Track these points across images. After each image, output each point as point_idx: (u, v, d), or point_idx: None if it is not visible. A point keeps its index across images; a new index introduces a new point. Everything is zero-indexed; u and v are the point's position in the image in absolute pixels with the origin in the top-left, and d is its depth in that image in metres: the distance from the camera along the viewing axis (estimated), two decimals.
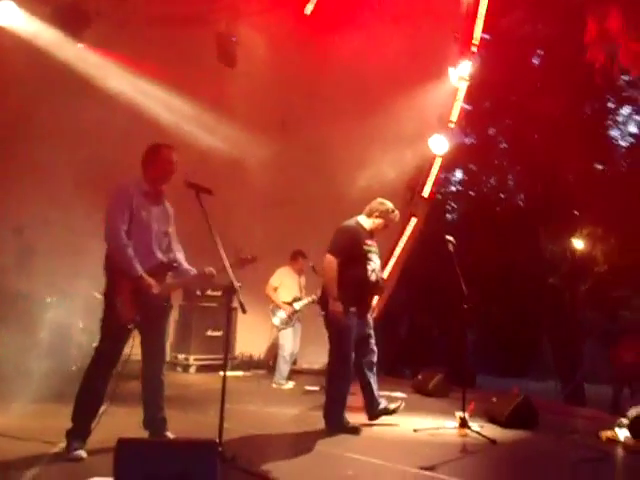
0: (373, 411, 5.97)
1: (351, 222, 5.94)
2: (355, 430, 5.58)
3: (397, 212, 6.10)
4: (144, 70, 8.84)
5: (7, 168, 8.20)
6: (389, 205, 6.02)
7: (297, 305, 8.69)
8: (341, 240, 5.77)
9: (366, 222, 5.96)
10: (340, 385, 5.76)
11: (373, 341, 5.99)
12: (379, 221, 5.96)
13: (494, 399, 6.76)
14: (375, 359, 5.99)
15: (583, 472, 4.88)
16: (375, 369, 6.01)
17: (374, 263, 5.84)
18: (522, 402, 6.37)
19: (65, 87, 8.27)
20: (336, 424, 5.62)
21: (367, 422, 5.94)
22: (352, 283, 5.67)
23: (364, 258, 5.76)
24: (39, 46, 7.96)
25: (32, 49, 7.88)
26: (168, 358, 5.74)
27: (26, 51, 7.82)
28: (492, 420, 6.40)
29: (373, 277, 5.79)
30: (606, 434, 6.02)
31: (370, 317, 6.03)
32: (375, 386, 5.97)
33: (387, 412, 5.98)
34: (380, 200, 6.09)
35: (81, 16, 8.14)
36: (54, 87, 8.23)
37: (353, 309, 5.63)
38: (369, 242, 5.88)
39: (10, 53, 7.71)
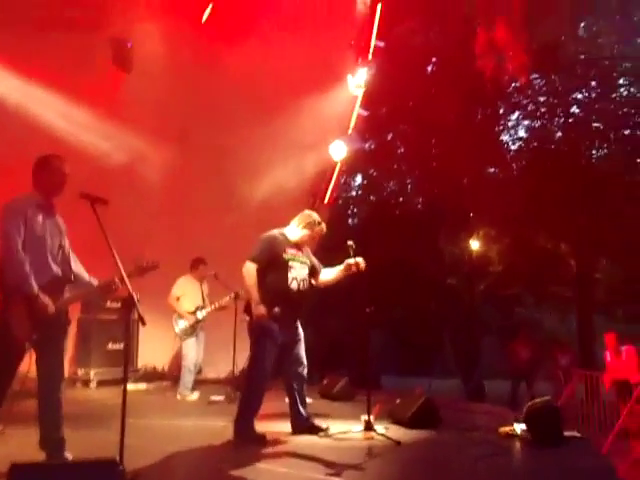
0: (296, 426, 5.96)
1: (273, 231, 6.00)
2: (262, 439, 5.55)
3: (323, 225, 6.17)
4: (34, 76, 8.51)
5: None
6: (315, 217, 6.13)
7: (200, 314, 8.57)
8: (259, 247, 5.83)
9: (293, 232, 6.03)
10: (252, 393, 5.74)
11: (302, 353, 5.98)
12: (305, 232, 6.03)
13: (398, 400, 6.92)
14: (304, 372, 5.96)
15: (482, 467, 5.05)
16: (303, 383, 5.98)
17: (296, 271, 5.84)
18: (424, 403, 6.53)
19: None
20: (244, 433, 5.59)
21: (280, 431, 5.95)
22: (271, 290, 5.71)
23: (284, 266, 5.79)
24: None
25: None
26: (67, 373, 5.56)
27: None
28: (396, 421, 6.52)
29: (294, 285, 5.80)
30: (504, 429, 6.27)
31: (299, 327, 6.03)
32: (300, 400, 5.96)
33: (313, 430, 5.94)
34: (307, 212, 6.23)
35: None
36: None
37: (277, 309, 5.63)
38: (291, 251, 5.90)
39: None
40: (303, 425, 5.96)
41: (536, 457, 5.67)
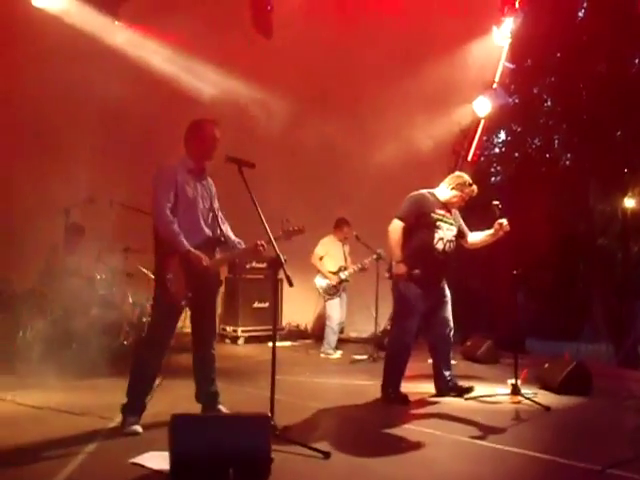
0: (440, 388, 5.94)
1: (422, 190, 5.93)
2: (405, 400, 5.57)
3: (474, 187, 6.01)
4: (181, 43, 8.80)
5: (49, 150, 8.35)
6: (465, 178, 6.02)
7: (343, 275, 8.66)
8: (407, 205, 5.79)
9: (443, 193, 5.94)
10: (396, 353, 5.77)
11: (448, 315, 5.91)
12: (455, 193, 5.92)
13: (546, 365, 6.65)
14: (450, 334, 5.91)
15: None
16: (449, 345, 5.95)
17: (443, 232, 5.76)
18: (575, 367, 6.24)
19: (104, 67, 8.31)
20: (388, 393, 5.63)
21: (424, 392, 5.95)
22: (417, 249, 5.67)
23: (432, 225, 5.72)
24: (76, 27, 8.00)
25: (70, 31, 7.92)
26: (217, 330, 5.82)
27: (71, 36, 7.87)
28: (545, 386, 6.30)
29: (439, 245, 5.72)
30: None
31: (445, 288, 5.96)
32: (445, 362, 5.93)
33: (457, 392, 5.89)
34: (458, 173, 6.19)
35: None
36: (94, 68, 8.27)
37: (417, 271, 5.57)
38: (440, 211, 5.82)
39: (50, 35, 7.75)
40: (447, 387, 5.91)
41: None
